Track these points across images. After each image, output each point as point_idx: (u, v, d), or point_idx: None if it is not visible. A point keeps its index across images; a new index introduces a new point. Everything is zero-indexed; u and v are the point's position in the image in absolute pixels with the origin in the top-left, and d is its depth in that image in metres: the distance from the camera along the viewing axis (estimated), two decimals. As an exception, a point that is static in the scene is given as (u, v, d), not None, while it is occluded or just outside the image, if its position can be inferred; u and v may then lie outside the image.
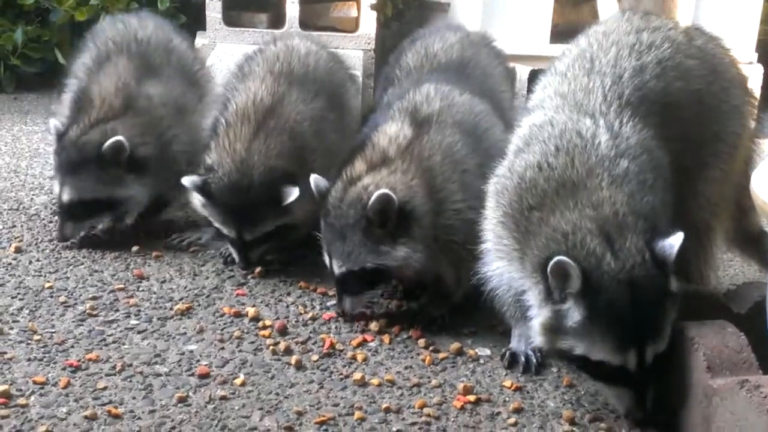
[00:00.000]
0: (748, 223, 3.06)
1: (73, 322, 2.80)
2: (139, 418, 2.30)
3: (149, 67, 3.58)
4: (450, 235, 2.83)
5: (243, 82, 3.41)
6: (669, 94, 2.62)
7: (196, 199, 3.25)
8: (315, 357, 2.67)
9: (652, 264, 2.24)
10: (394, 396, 2.49)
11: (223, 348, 2.69)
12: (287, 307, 3.01)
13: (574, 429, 2.38)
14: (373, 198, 2.73)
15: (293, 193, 3.11)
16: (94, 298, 2.97)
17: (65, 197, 3.34)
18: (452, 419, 2.39)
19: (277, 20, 5.48)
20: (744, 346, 2.26)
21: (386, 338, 2.80)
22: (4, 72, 5.96)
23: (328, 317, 2.93)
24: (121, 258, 3.33)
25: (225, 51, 5.15)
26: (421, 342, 2.79)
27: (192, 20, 5.75)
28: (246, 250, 3.21)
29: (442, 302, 2.96)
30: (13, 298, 2.94)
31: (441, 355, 2.72)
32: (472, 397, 2.48)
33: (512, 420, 2.39)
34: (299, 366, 2.61)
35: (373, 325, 2.86)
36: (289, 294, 3.11)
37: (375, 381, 2.55)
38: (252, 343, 2.74)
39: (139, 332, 2.76)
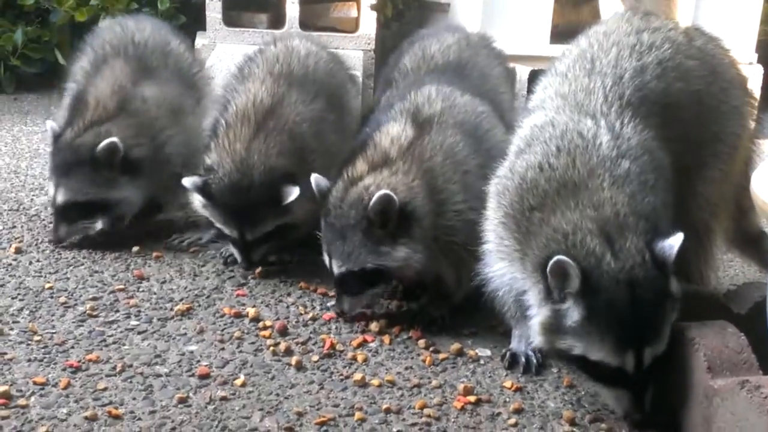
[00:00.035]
0: (747, 223, 3.06)
1: (74, 322, 2.80)
2: (140, 419, 2.30)
3: (146, 69, 3.58)
4: (451, 236, 2.83)
5: (243, 84, 3.41)
6: (669, 95, 2.62)
7: (197, 200, 3.25)
8: (315, 357, 2.67)
9: (652, 265, 2.24)
10: (395, 396, 2.49)
11: (223, 348, 2.69)
12: (287, 307, 3.01)
13: (575, 430, 2.38)
14: (374, 198, 2.73)
15: (293, 193, 3.11)
16: (94, 299, 2.97)
17: (59, 199, 3.35)
18: (452, 420, 2.39)
19: (277, 20, 5.48)
20: (744, 347, 2.26)
21: (386, 339, 2.80)
22: (4, 72, 5.96)
23: (328, 318, 2.93)
24: (121, 258, 3.33)
25: (225, 51, 5.15)
26: (422, 342, 2.79)
27: (192, 20, 5.75)
28: (248, 250, 3.21)
29: (442, 303, 2.96)
30: (13, 298, 2.94)
31: (441, 356, 2.72)
32: (472, 398, 2.48)
33: (512, 421, 2.39)
34: (299, 366, 2.61)
35: (374, 326, 2.86)
36: (289, 294, 3.11)
37: (375, 381, 2.55)
38: (252, 343, 2.74)
39: (139, 333, 2.76)
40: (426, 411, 2.41)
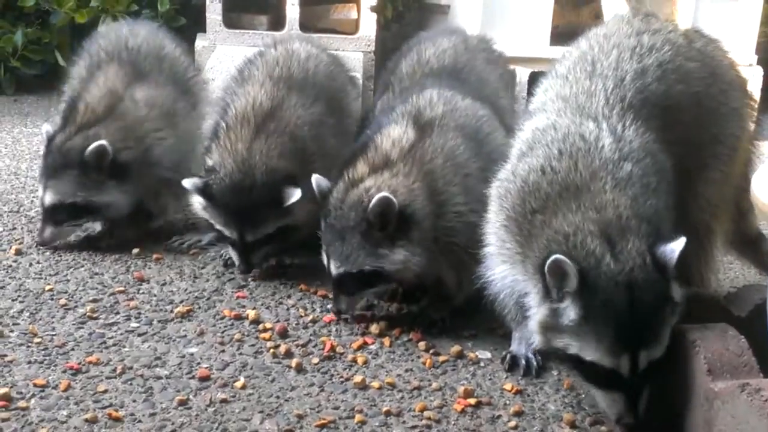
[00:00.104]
0: (746, 225, 3.06)
1: (74, 324, 2.80)
2: (140, 422, 2.30)
3: (139, 74, 3.58)
4: (451, 237, 2.83)
5: (242, 87, 3.41)
6: (670, 97, 2.62)
7: (197, 202, 3.25)
8: (315, 360, 2.67)
9: (652, 268, 2.24)
10: (395, 399, 2.49)
11: (223, 351, 2.69)
12: (288, 309, 3.01)
13: (575, 432, 2.39)
14: (373, 201, 2.73)
15: (295, 194, 3.11)
16: (94, 301, 2.97)
17: (47, 200, 3.35)
18: (453, 422, 2.39)
19: (277, 22, 5.49)
20: (745, 350, 2.25)
21: (387, 341, 2.80)
22: (4, 74, 5.96)
23: (328, 320, 2.93)
24: (121, 260, 3.33)
25: (225, 53, 5.16)
26: (422, 345, 2.79)
27: (192, 22, 5.76)
28: (247, 253, 3.20)
29: (442, 305, 2.96)
30: (13, 300, 2.94)
31: (441, 358, 2.72)
32: (472, 400, 2.48)
33: (513, 423, 2.39)
34: (300, 369, 2.61)
35: (374, 328, 2.86)
36: (289, 296, 3.11)
37: (375, 384, 2.55)
38: (252, 345, 2.74)
39: (139, 335, 2.76)
40: (426, 413, 2.41)
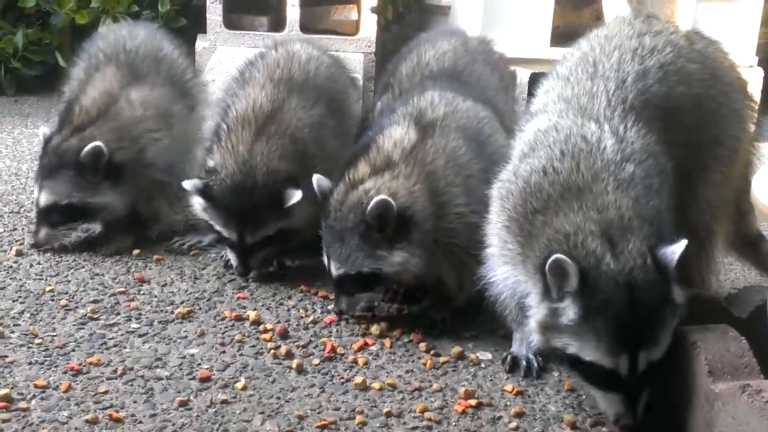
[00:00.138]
0: (746, 226, 3.06)
1: (74, 325, 2.80)
2: (141, 422, 2.30)
3: (136, 76, 3.57)
4: (451, 238, 2.83)
5: (243, 88, 3.41)
6: (671, 99, 2.63)
7: (197, 203, 3.25)
8: (316, 361, 2.67)
9: (653, 269, 2.24)
10: (396, 400, 2.49)
11: (224, 352, 2.69)
12: (288, 310, 3.01)
13: (576, 433, 2.39)
14: (372, 203, 2.73)
15: (296, 196, 3.11)
16: (95, 302, 2.97)
17: (42, 201, 3.35)
18: (453, 423, 2.39)
19: (277, 23, 5.49)
20: (745, 351, 2.26)
21: (387, 342, 2.80)
22: (4, 75, 5.96)
23: (329, 321, 2.93)
24: (121, 261, 3.33)
25: (225, 54, 5.16)
26: (422, 346, 2.79)
27: (193, 23, 5.76)
28: (246, 254, 3.20)
29: (443, 306, 2.96)
30: (14, 301, 2.94)
31: (442, 359, 2.72)
32: (473, 401, 2.48)
33: (513, 424, 2.39)
34: (300, 370, 2.61)
35: (374, 329, 2.86)
36: (290, 297, 3.11)
37: (376, 385, 2.54)
38: (253, 346, 2.74)
39: (140, 336, 2.76)
40: (427, 414, 2.41)
